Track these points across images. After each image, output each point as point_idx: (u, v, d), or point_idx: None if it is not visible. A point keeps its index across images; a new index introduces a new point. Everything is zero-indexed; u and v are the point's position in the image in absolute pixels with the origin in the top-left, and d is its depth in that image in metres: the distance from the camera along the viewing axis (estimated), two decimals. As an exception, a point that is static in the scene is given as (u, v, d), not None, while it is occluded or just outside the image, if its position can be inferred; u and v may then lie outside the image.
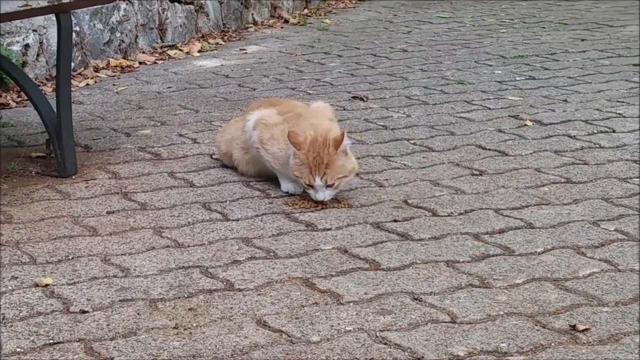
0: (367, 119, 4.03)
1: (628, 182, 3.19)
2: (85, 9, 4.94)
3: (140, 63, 5.27)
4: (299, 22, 6.83)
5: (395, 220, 2.84)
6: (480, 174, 3.29)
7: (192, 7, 6.02)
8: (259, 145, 3.09)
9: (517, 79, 4.83)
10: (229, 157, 3.28)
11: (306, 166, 2.90)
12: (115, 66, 5.11)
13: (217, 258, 2.56)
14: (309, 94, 4.50)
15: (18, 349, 2.06)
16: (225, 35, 6.19)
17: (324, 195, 2.92)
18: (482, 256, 2.57)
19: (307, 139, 2.91)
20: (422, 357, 2.03)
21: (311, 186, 2.91)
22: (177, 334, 2.13)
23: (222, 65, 5.27)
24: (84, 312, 2.23)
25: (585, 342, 2.09)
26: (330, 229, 2.78)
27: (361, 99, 4.41)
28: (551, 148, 3.59)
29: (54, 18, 4.26)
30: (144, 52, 5.47)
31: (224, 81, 4.83)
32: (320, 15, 7.26)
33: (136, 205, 2.98)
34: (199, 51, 5.67)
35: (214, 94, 4.53)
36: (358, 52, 5.63)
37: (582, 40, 5.95)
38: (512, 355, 2.04)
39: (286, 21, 6.86)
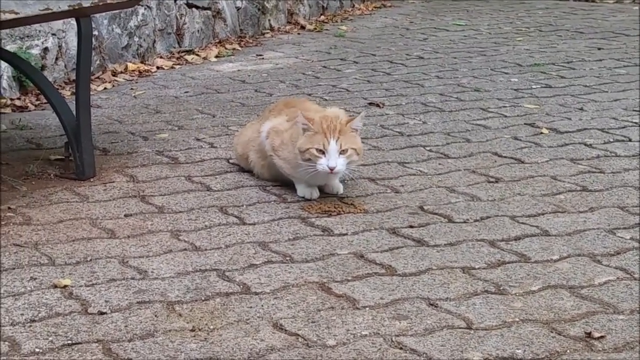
0: (383, 125, 4.05)
1: (644, 190, 3.19)
2: (104, 13, 4.97)
3: (157, 68, 5.30)
4: (316, 29, 6.85)
5: (411, 226, 2.85)
6: (496, 181, 3.30)
7: (209, 12, 6.05)
8: (272, 152, 3.12)
9: (533, 87, 4.83)
10: (245, 160, 3.30)
11: (320, 133, 2.92)
12: (133, 70, 5.14)
13: (233, 262, 2.58)
14: (325, 100, 4.52)
15: (37, 349, 2.08)
16: (242, 41, 6.22)
17: (337, 162, 2.92)
18: (498, 263, 2.58)
19: (318, 116, 2.99)
20: (438, 362, 2.04)
21: (323, 153, 2.92)
22: (194, 336, 2.15)
23: (239, 70, 5.29)
24: (102, 313, 2.25)
25: (600, 349, 2.10)
26: (346, 234, 2.79)
27: (377, 105, 4.42)
28: (567, 156, 3.59)
29: (72, 22, 4.30)
30: (161, 57, 5.50)
31: (240, 86, 4.86)
32: (336, 21, 7.28)
33: (154, 208, 3.00)
34: (216, 56, 5.70)
35: (230, 99, 4.55)
36: (374, 59, 5.64)
37: (599, 49, 5.95)
38: (527, 362, 2.05)
39: (302, 27, 6.88)
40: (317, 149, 2.93)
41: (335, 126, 2.94)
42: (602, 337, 2.15)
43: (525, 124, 4.08)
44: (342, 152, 2.93)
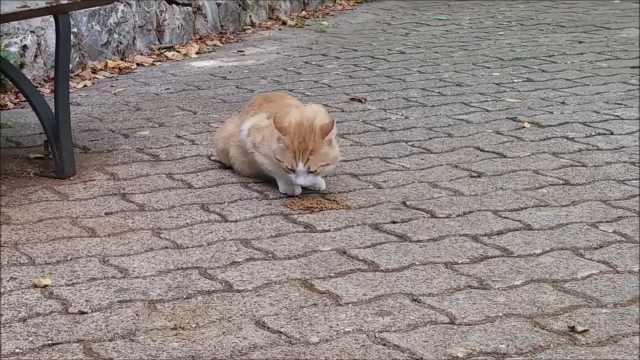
0: (365, 121, 4.04)
1: (626, 184, 3.20)
2: (83, 10, 4.94)
3: (138, 64, 5.27)
4: (297, 24, 6.84)
5: (394, 222, 2.84)
6: (479, 176, 3.29)
7: (189, 8, 6.02)
8: (253, 149, 3.11)
9: (515, 81, 4.83)
10: (226, 155, 3.29)
11: (290, 151, 2.91)
12: (113, 67, 5.11)
13: (215, 259, 2.56)
14: (307, 95, 4.50)
15: (17, 350, 2.05)
16: (223, 37, 6.19)
17: (305, 180, 2.95)
18: (481, 257, 2.58)
19: (292, 124, 2.94)
20: (421, 358, 2.03)
21: (293, 170, 2.93)
22: (176, 335, 2.13)
23: (220, 67, 5.27)
24: (82, 313, 2.23)
25: (584, 343, 2.10)
26: (328, 230, 2.78)
27: (359, 100, 4.41)
28: (549, 150, 3.59)
29: (51, 19, 4.26)
30: (141, 54, 5.47)
31: (221, 83, 4.84)
32: (318, 17, 7.26)
33: (134, 206, 2.98)
34: (197, 53, 5.67)
35: (211, 96, 4.53)
36: (356, 54, 5.63)
37: (580, 42, 5.96)
38: (511, 357, 2.04)
39: (284, 23, 6.86)
40: (286, 167, 2.94)
41: (307, 146, 2.91)
42: (585, 331, 2.14)
43: (507, 118, 4.08)
44: (311, 172, 2.94)
